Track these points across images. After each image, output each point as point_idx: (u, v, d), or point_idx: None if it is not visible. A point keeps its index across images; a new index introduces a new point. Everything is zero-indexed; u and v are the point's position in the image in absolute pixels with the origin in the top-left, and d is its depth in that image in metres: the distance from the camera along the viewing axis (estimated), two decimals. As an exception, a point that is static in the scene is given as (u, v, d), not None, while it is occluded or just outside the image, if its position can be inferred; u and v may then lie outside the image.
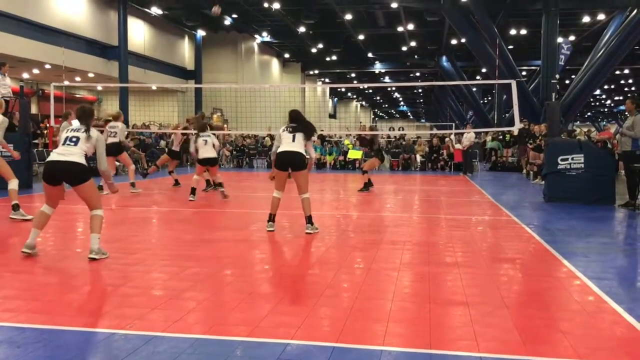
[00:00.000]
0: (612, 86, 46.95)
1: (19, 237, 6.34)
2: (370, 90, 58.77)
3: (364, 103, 71.16)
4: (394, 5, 24.32)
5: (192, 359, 3.03)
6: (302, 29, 29.96)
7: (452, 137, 20.68)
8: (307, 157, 7.21)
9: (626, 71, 38.55)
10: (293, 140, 7.02)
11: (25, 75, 24.54)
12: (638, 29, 21.57)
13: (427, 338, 3.35)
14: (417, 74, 45.28)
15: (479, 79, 38.15)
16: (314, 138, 7.38)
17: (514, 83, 10.61)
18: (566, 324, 3.65)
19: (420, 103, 70.17)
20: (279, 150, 7.06)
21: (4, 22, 18.84)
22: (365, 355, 3.12)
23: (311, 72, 43.77)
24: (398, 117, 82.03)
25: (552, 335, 3.44)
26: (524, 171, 17.89)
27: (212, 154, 10.57)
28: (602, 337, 3.46)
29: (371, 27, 30.86)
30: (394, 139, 24.52)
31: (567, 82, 34.09)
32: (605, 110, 68.33)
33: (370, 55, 37.43)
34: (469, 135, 18.30)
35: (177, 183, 12.93)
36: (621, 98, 52.04)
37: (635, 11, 21.74)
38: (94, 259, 5.24)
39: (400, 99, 66.56)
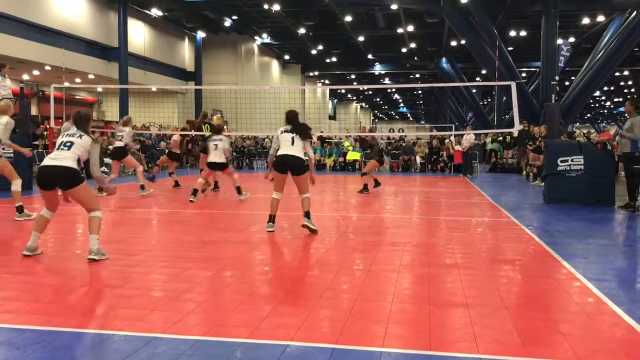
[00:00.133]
0: (612, 88, 47.00)
1: (20, 238, 6.34)
2: (370, 92, 58.80)
3: (363, 104, 71.19)
4: (394, 6, 24.34)
5: (191, 361, 3.03)
6: (302, 31, 29.98)
7: (452, 138, 20.69)
8: (306, 159, 7.23)
9: (626, 73, 38.59)
10: (292, 144, 7.05)
11: (26, 77, 24.56)
12: (637, 31, 21.59)
13: (426, 339, 3.35)
14: (417, 76, 45.31)
15: (478, 81, 38.22)
16: (314, 139, 7.41)
17: (513, 84, 10.61)
18: (566, 326, 3.65)
19: (420, 104, 70.19)
20: (279, 153, 7.09)
21: (4, 23, 18.86)
22: (365, 356, 3.12)
23: (311, 74, 43.80)
24: (398, 118, 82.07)
25: (551, 337, 3.44)
26: (524, 172, 17.89)
27: (220, 159, 10.51)
28: (602, 339, 3.46)
29: (371, 28, 30.89)
30: (393, 141, 24.54)
31: (566, 83, 34.11)
32: (605, 111, 68.38)
33: (370, 56, 37.46)
34: (468, 137, 18.32)
35: (177, 184, 12.92)
36: (621, 99, 52.10)
37: (634, 13, 21.76)
38: (94, 260, 5.25)
39: (400, 100, 66.60)
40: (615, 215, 9.26)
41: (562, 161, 10.28)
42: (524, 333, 3.47)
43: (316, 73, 43.76)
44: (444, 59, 35.70)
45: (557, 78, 23.40)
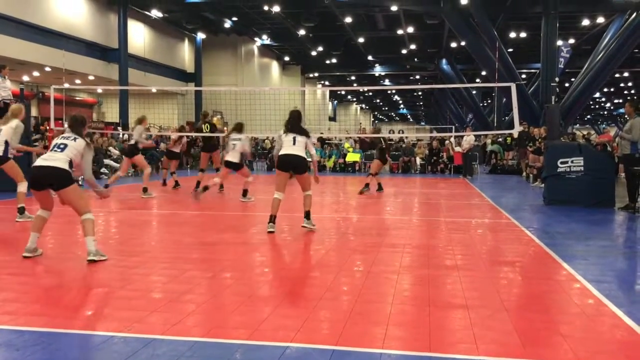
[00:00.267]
0: (612, 89, 47.03)
1: (20, 239, 6.34)
2: (370, 93, 58.80)
3: (363, 106, 71.22)
4: (394, 8, 24.36)
5: (191, 362, 3.03)
6: (302, 32, 30.01)
7: (452, 139, 20.71)
8: (309, 158, 7.31)
9: (626, 74, 38.62)
10: (294, 144, 7.15)
11: (26, 78, 24.57)
12: (637, 32, 21.61)
13: (426, 341, 3.35)
14: (417, 77, 45.35)
15: (478, 82, 38.23)
16: (314, 140, 7.50)
17: (513, 86, 10.62)
18: (566, 327, 3.64)
19: (420, 106, 70.22)
20: (281, 152, 7.20)
21: (4, 24, 18.88)
22: (365, 358, 3.11)
23: (311, 75, 43.84)
24: (398, 119, 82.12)
25: (551, 338, 3.43)
26: (524, 174, 17.89)
27: (235, 158, 10.49)
28: (602, 340, 3.45)
29: (371, 30, 30.92)
30: (394, 142, 24.55)
31: (566, 85, 34.14)
32: (605, 113, 68.40)
33: (370, 58, 37.50)
34: (468, 138, 18.32)
35: (177, 184, 12.93)
36: (621, 101, 52.15)
37: (634, 14, 21.78)
38: (93, 261, 5.25)
39: (400, 101, 66.62)
40: (616, 216, 9.26)
41: (562, 162, 10.28)
42: (524, 334, 3.46)
43: (316, 74, 43.80)
44: (444, 61, 35.72)
45: (557, 79, 23.44)
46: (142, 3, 25.78)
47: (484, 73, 32.25)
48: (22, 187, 7.83)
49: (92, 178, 5.65)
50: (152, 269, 5.13)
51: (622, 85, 44.89)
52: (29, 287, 4.57)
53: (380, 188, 12.83)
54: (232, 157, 10.47)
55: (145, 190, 11.22)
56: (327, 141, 24.08)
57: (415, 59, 37.90)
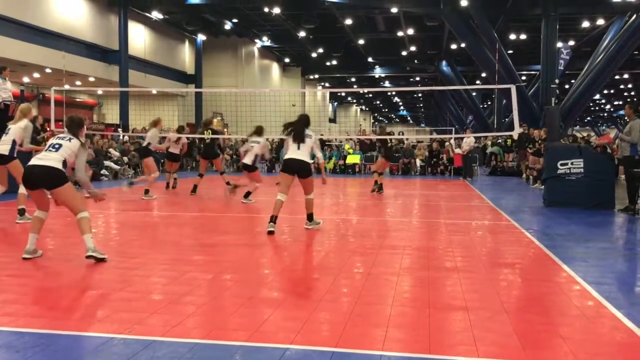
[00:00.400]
0: (612, 91, 47.03)
1: (20, 241, 6.34)
2: (370, 95, 58.80)
3: (364, 107, 71.23)
4: (394, 10, 24.38)
5: (191, 364, 3.03)
6: (302, 34, 30.04)
7: (452, 141, 20.71)
8: (314, 161, 7.43)
9: (625, 76, 38.62)
10: (298, 148, 7.32)
11: (26, 80, 24.60)
12: (637, 34, 21.62)
13: (426, 343, 3.35)
14: (417, 79, 45.35)
15: (478, 84, 38.23)
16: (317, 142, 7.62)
17: (513, 88, 10.62)
18: (566, 329, 3.65)
19: (420, 107, 70.22)
20: (285, 157, 7.44)
21: (4, 26, 18.89)
22: (365, 360, 3.12)
23: (311, 77, 43.86)
24: (398, 121, 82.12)
25: (551, 340, 3.44)
26: (524, 176, 17.90)
27: (249, 161, 10.56)
28: (602, 342, 3.46)
29: (371, 31, 30.94)
30: (394, 143, 24.53)
31: (566, 86, 34.16)
32: (605, 114, 68.40)
33: (370, 59, 37.52)
34: (469, 140, 18.33)
35: (174, 186, 12.94)
36: (621, 103, 52.14)
37: (634, 16, 21.80)
38: (93, 257, 5.26)
39: (400, 103, 66.62)
40: (615, 218, 9.26)
41: (562, 164, 10.28)
42: (523, 336, 3.46)
43: (316, 76, 43.81)
44: (444, 62, 35.74)
45: (557, 81, 23.45)
46: (142, 5, 25.80)
47: (484, 75, 32.28)
48: (23, 188, 7.84)
49: (84, 178, 5.67)
50: (152, 271, 5.13)
51: (622, 87, 44.89)
52: (29, 289, 4.58)
53: (380, 189, 12.87)
54: (247, 158, 10.54)
55: (146, 192, 11.24)
56: (327, 143, 24.09)
57: (416, 61, 37.92)
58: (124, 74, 25.21)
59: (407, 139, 24.87)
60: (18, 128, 7.82)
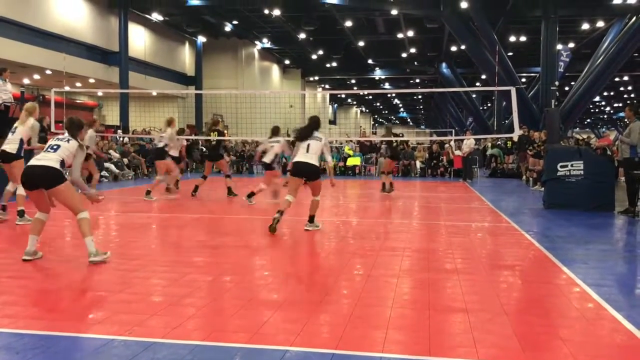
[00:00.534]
0: (612, 93, 47.07)
1: (20, 242, 6.34)
2: (370, 97, 58.84)
3: (363, 109, 71.29)
4: (394, 12, 24.41)
5: (191, 366, 3.03)
6: (302, 36, 30.06)
7: (452, 143, 20.70)
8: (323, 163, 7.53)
9: (625, 78, 38.66)
10: (307, 151, 7.40)
11: (26, 81, 24.59)
12: (637, 36, 21.65)
13: (426, 345, 3.35)
14: (417, 81, 45.39)
15: (478, 86, 38.26)
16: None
17: (513, 90, 10.64)
18: (565, 331, 3.65)
19: (420, 109, 70.26)
20: (294, 159, 7.50)
21: (4, 27, 18.90)
22: (365, 362, 3.12)
23: (311, 79, 43.88)
24: (398, 123, 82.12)
25: (551, 342, 3.44)
26: (524, 178, 17.90)
27: (268, 160, 10.61)
28: (602, 344, 3.46)
29: (371, 33, 30.97)
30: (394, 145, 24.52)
31: (566, 88, 34.19)
32: (605, 117, 68.45)
33: (370, 61, 37.55)
34: (469, 142, 18.33)
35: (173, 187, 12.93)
36: (620, 105, 52.16)
37: (634, 18, 21.83)
38: (96, 262, 5.27)
39: (400, 105, 66.68)
40: (615, 220, 9.26)
41: (561, 166, 10.28)
42: (523, 338, 3.46)
43: (316, 78, 43.84)
44: (444, 64, 35.77)
45: (556, 83, 23.47)
46: (142, 6, 25.82)
47: (483, 77, 32.29)
48: (21, 189, 7.84)
49: (80, 180, 5.69)
50: (152, 273, 5.13)
51: (621, 89, 44.93)
52: (29, 290, 4.58)
53: (384, 189, 13.02)
54: (267, 158, 10.58)
55: (148, 192, 11.22)
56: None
57: (415, 63, 37.94)
58: (124, 76, 25.22)
59: (407, 140, 24.86)
60: (25, 127, 7.86)
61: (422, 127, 78.25)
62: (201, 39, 32.38)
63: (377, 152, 21.71)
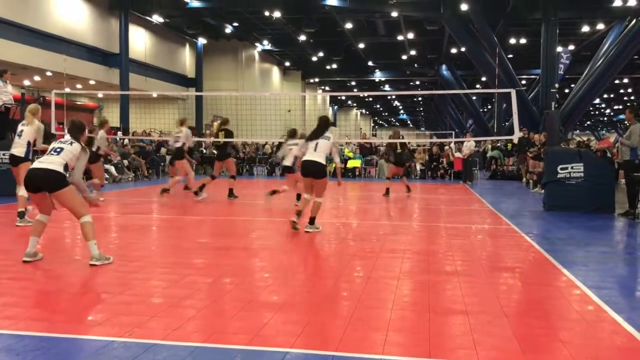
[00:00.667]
0: (612, 95, 47.08)
1: (20, 244, 6.34)
2: (371, 99, 58.92)
3: (364, 111, 71.31)
4: (394, 14, 24.44)
5: (191, 367, 3.03)
6: (302, 38, 30.08)
7: (452, 145, 20.71)
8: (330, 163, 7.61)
9: (625, 80, 38.67)
10: (315, 149, 7.49)
11: (27, 83, 24.61)
12: (637, 39, 21.67)
13: (426, 347, 3.35)
14: (417, 83, 45.42)
15: (478, 88, 38.31)
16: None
17: (513, 92, 10.64)
18: (566, 333, 3.65)
19: (420, 111, 70.32)
20: (303, 158, 7.60)
21: (5, 29, 18.93)
22: (365, 364, 3.12)
23: (311, 80, 43.90)
24: (398, 125, 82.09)
25: (551, 345, 3.44)
26: (524, 180, 17.90)
27: (288, 162, 10.64)
28: (602, 347, 3.45)
29: (371, 35, 30.99)
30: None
31: (566, 91, 34.18)
32: (605, 119, 68.48)
33: (370, 63, 37.56)
34: (469, 144, 18.33)
35: (166, 190, 12.92)
36: (620, 107, 52.19)
37: (634, 21, 21.84)
38: (95, 265, 5.27)
39: (400, 107, 66.70)
40: (615, 222, 9.26)
41: (562, 169, 10.29)
42: (523, 340, 3.46)
43: (316, 80, 43.86)
44: (444, 66, 35.79)
45: (556, 85, 23.47)
46: (143, 8, 25.86)
47: (484, 79, 32.34)
48: (23, 190, 7.86)
49: (81, 182, 5.69)
50: (152, 274, 5.14)
51: (621, 91, 44.95)
52: (29, 292, 4.57)
53: (387, 193, 13.13)
54: (288, 161, 10.58)
55: (186, 187, 11.20)
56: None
57: (416, 65, 37.96)
58: (124, 77, 25.24)
59: (408, 142, 24.89)
60: (31, 129, 7.92)
61: (422, 129, 78.29)
62: (201, 41, 32.41)
63: (378, 154, 21.75)
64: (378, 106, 66.33)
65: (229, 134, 12.00)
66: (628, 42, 22.00)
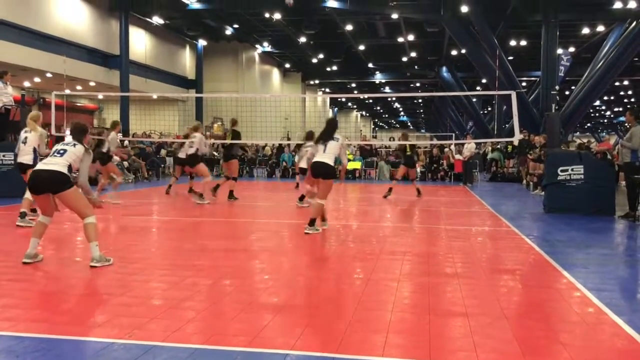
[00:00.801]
0: (612, 97, 47.08)
1: (20, 245, 6.34)
2: (371, 101, 58.91)
3: (364, 113, 71.32)
4: (395, 16, 24.44)
5: (191, 369, 3.03)
6: (302, 39, 30.09)
7: (452, 147, 20.71)
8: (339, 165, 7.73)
9: (625, 82, 38.68)
10: (324, 151, 7.56)
11: (27, 84, 24.61)
12: (637, 41, 21.66)
13: (426, 349, 3.35)
14: (417, 85, 45.42)
15: (479, 90, 38.29)
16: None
17: (513, 94, 10.64)
18: (566, 336, 3.64)
19: (421, 113, 70.32)
20: (313, 160, 7.67)
21: (5, 30, 18.94)
22: (365, 366, 3.12)
23: (312, 82, 43.91)
24: (398, 127, 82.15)
25: (551, 347, 3.43)
26: (524, 182, 17.90)
27: (305, 165, 10.70)
28: (602, 349, 3.45)
29: (372, 37, 31.01)
30: (393, 150, 24.55)
31: (566, 93, 34.18)
32: (605, 121, 68.47)
33: (370, 65, 37.57)
34: (469, 146, 18.33)
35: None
36: (621, 109, 52.20)
37: (634, 23, 21.85)
38: (95, 267, 5.27)
39: (401, 109, 66.73)
40: (616, 225, 9.26)
41: (562, 171, 10.29)
42: (524, 343, 3.46)
43: (317, 81, 43.88)
44: (444, 68, 35.80)
45: (557, 87, 23.47)
46: (143, 10, 25.86)
47: (484, 81, 32.32)
48: (28, 193, 7.91)
49: (87, 184, 5.70)
50: (152, 276, 5.14)
51: (622, 93, 44.95)
52: (29, 293, 4.57)
53: (389, 193, 13.18)
54: (304, 163, 10.62)
55: (203, 194, 11.25)
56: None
57: (416, 67, 37.97)
58: (124, 79, 25.24)
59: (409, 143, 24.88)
60: (35, 135, 8.07)
61: (423, 131, 78.36)
62: (202, 43, 32.43)
63: (378, 156, 21.75)
64: (378, 108, 66.36)
65: (236, 135, 11.98)
66: (628, 44, 22.00)
